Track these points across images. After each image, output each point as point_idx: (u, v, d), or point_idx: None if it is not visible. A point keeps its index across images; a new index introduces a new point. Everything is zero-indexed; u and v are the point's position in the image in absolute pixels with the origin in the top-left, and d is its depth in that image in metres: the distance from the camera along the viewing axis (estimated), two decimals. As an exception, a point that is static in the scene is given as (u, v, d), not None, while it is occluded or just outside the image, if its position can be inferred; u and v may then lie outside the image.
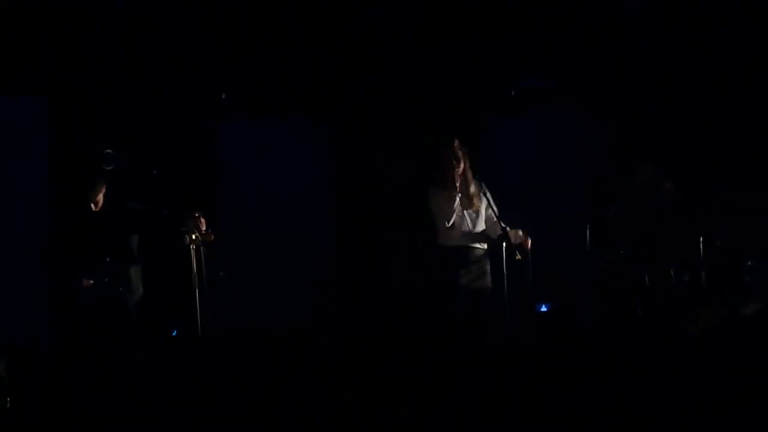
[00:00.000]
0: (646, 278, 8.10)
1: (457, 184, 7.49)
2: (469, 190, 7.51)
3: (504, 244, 7.42)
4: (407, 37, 9.46)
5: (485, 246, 7.60)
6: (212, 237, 7.07)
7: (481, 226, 7.58)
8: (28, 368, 7.47)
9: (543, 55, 9.50)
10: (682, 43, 9.43)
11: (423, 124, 9.32)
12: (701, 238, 8.09)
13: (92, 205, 6.91)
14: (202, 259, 7.02)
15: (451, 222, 7.46)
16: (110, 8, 8.47)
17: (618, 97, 9.64)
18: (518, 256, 7.46)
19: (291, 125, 9.58)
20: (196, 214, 6.95)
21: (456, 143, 7.53)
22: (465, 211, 7.51)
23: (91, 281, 6.76)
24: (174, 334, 8.23)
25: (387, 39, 9.44)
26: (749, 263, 8.22)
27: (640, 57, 9.53)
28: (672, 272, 8.13)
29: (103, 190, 6.94)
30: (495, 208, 7.52)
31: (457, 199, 7.46)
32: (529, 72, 9.60)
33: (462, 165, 7.50)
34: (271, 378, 7.66)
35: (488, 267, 7.60)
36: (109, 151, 7.10)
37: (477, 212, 7.56)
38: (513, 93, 9.50)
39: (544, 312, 9.10)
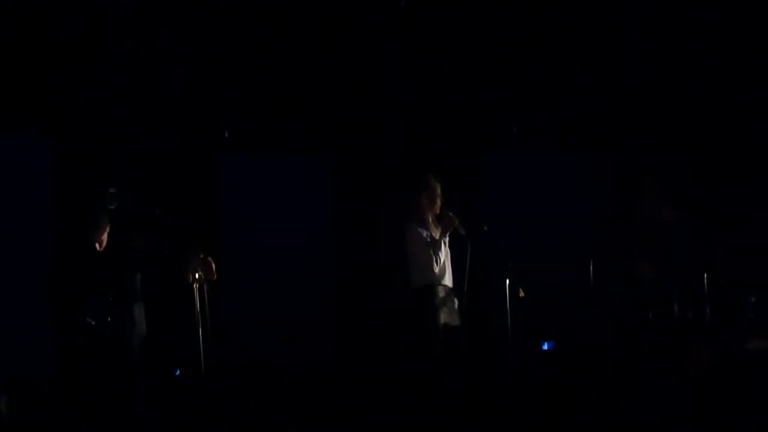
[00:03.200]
0: (650, 314, 8.10)
1: (432, 222, 7.51)
2: (443, 227, 7.50)
3: (507, 281, 7.44)
4: (408, 75, 9.51)
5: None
6: (215, 276, 7.07)
7: (449, 263, 7.57)
8: (30, 405, 7.45)
9: (542, 94, 9.56)
10: (681, 80, 9.49)
11: (422, 161, 9.34)
12: (705, 274, 8.09)
13: (96, 245, 6.91)
14: (206, 297, 7.02)
15: (440, 264, 7.44)
16: (111, 47, 8.51)
17: (618, 134, 9.69)
18: (522, 293, 7.47)
19: (292, 162, 9.59)
20: (202, 255, 6.95)
21: (433, 182, 7.52)
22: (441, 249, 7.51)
23: (93, 322, 6.75)
24: (177, 373, 8.20)
25: (387, 78, 9.49)
26: (753, 299, 8.22)
27: (639, 94, 9.60)
28: (676, 308, 8.12)
29: (108, 229, 6.94)
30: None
31: (439, 238, 7.46)
32: (529, 110, 9.64)
33: (439, 202, 7.50)
34: (272, 417, 7.64)
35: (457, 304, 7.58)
36: (112, 190, 7.11)
37: (447, 248, 7.56)
38: (515, 130, 9.53)
39: (547, 350, 9.07)
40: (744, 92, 9.29)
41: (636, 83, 9.57)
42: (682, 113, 9.50)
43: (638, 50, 9.49)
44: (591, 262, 8.33)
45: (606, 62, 9.57)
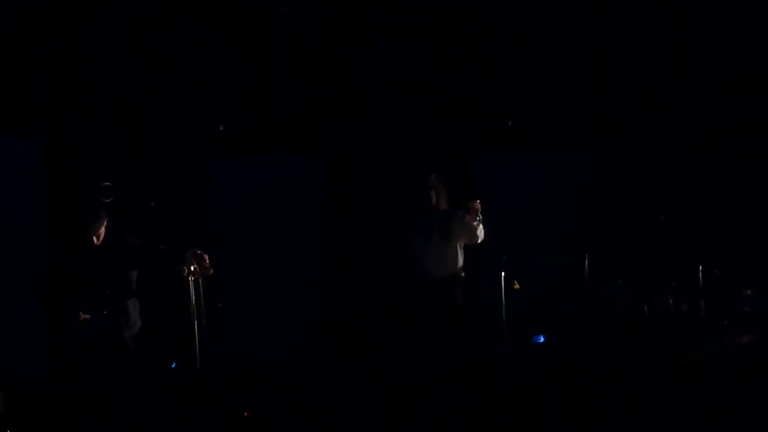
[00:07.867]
0: (645, 308, 8.11)
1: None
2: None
3: (502, 274, 7.51)
4: (398, 76, 9.57)
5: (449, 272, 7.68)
6: (211, 271, 7.06)
7: (450, 254, 7.67)
8: (24, 402, 7.44)
9: (534, 93, 9.61)
10: (670, 84, 9.53)
11: (414, 159, 9.39)
12: (700, 268, 8.11)
13: (94, 239, 6.88)
14: (201, 292, 7.00)
15: (419, 246, 7.60)
16: (104, 48, 8.52)
17: (611, 131, 9.72)
18: (517, 286, 7.50)
19: (286, 162, 9.62)
20: (198, 252, 6.92)
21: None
22: (433, 237, 7.64)
23: (88, 316, 6.73)
24: (173, 366, 8.21)
25: (378, 77, 9.53)
26: (748, 293, 8.24)
27: (629, 95, 9.64)
28: (671, 301, 8.14)
29: (105, 223, 6.92)
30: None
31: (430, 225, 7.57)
32: (521, 109, 9.69)
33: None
34: (269, 412, 7.64)
35: (457, 291, 7.68)
36: (107, 183, 7.10)
37: (447, 240, 7.67)
38: (510, 123, 9.60)
39: (540, 343, 9.09)
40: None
41: (626, 84, 9.62)
42: (671, 114, 9.55)
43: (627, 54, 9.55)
44: (586, 256, 8.36)
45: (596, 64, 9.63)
